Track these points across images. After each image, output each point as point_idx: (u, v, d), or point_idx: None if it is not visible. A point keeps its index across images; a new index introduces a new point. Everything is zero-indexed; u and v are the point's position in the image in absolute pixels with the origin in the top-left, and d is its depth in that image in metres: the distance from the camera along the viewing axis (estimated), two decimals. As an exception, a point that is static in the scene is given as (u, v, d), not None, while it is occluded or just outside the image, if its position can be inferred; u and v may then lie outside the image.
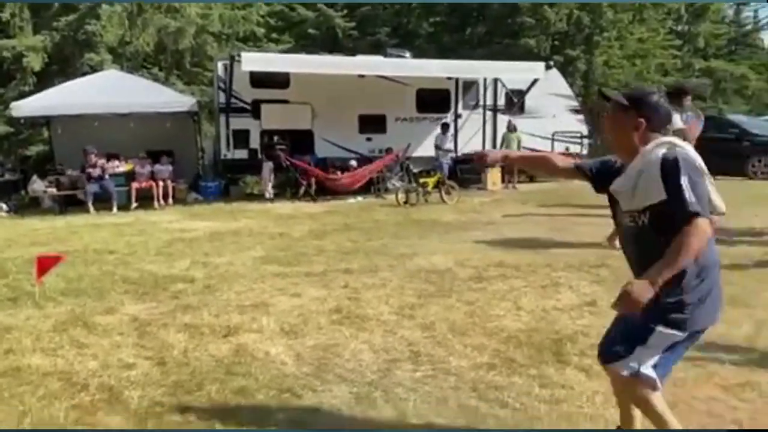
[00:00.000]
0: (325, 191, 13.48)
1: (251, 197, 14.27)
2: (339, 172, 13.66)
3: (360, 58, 14.72)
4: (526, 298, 5.07)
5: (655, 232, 2.31)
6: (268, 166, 13.58)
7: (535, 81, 14.57)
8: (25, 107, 13.36)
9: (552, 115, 15.99)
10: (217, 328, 4.51)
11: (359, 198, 13.39)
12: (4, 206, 12.88)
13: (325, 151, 14.57)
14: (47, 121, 14.63)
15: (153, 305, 5.17)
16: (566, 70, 18.75)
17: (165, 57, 18.82)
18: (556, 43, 22.55)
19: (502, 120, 15.46)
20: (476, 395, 3.32)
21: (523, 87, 15.13)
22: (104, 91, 13.41)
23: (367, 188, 13.83)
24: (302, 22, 23.26)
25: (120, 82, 14.23)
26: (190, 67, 19.00)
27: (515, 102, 15.52)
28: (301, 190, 13.48)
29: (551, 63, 15.34)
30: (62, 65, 17.02)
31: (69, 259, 6.63)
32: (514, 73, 14.81)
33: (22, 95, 15.07)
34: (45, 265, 5.39)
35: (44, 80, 16.40)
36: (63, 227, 10.30)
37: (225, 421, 3.05)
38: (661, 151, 2.32)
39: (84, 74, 15.40)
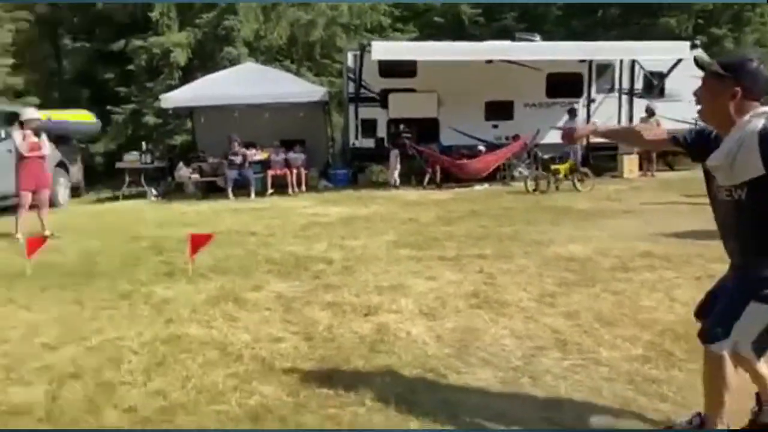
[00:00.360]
0: (449, 179, 13.43)
1: (377, 185, 14.50)
2: (466, 159, 13.56)
3: (488, 44, 14.45)
4: (679, 290, 4.73)
5: (753, 206, 2.29)
6: (394, 154, 13.74)
7: (678, 62, 13.61)
8: (172, 99, 14.38)
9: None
10: (358, 307, 4.59)
11: (485, 185, 13.22)
12: (154, 191, 13.94)
13: (450, 139, 14.50)
14: (191, 111, 15.67)
15: (296, 284, 5.37)
16: (711, 50, 17.30)
17: (296, 49, 19.49)
18: (700, 21, 20.91)
19: (639, 104, 14.60)
20: (633, 387, 3.13)
21: (664, 69, 14.19)
22: (242, 83, 14.12)
23: (492, 176, 13.62)
24: (427, 10, 23.20)
25: (256, 74, 14.92)
26: (319, 58, 19.55)
27: (655, 85, 14.60)
28: (426, 178, 13.50)
29: (697, 42, 14.25)
30: (204, 59, 18.11)
31: (215, 239, 7.03)
32: (654, 53, 13.89)
33: (169, 88, 16.19)
34: (197, 243, 5.74)
35: (188, 74, 17.53)
36: (206, 211, 10.98)
37: (374, 396, 3.08)
38: (761, 122, 2.20)
39: (224, 68, 16.29)
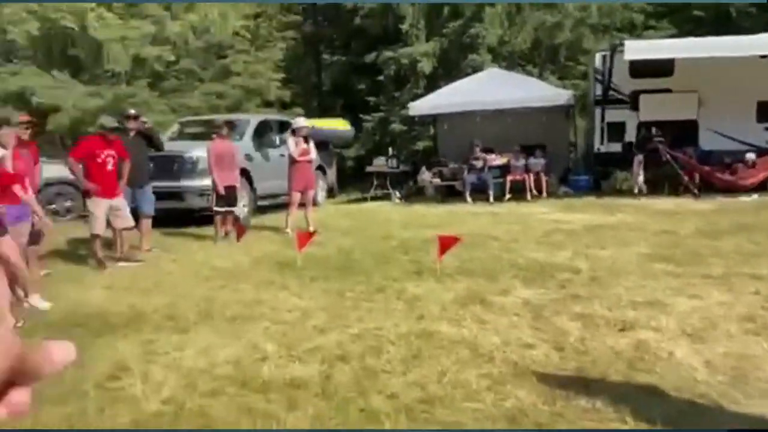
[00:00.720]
0: (710, 188, 12.15)
1: (622, 192, 13.66)
2: (727, 171, 12.16)
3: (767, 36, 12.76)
4: None
5: None
6: (638, 160, 12.86)
7: None
8: (418, 107, 15.11)
9: None
10: (612, 321, 4.37)
11: (754, 196, 11.72)
12: (397, 193, 14.77)
13: (711, 143, 13.11)
14: (434, 118, 16.31)
15: (542, 291, 5.28)
16: None
17: (539, 53, 19.21)
18: None
19: None
20: None
21: None
22: (485, 89, 14.29)
23: (761, 185, 12.03)
24: (687, 5, 21.23)
25: (499, 80, 14.99)
26: (564, 61, 19.03)
27: None
28: (683, 185, 12.37)
29: None
30: (448, 68, 18.72)
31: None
32: None
33: (415, 97, 17.04)
34: (445, 244, 5.95)
35: (432, 82, 18.27)
36: (446, 214, 11.32)
37: (636, 415, 2.90)
38: None
39: (466, 75, 16.67)
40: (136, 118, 8.25)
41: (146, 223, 8.13)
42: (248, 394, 3.41)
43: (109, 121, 7.37)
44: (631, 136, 13.64)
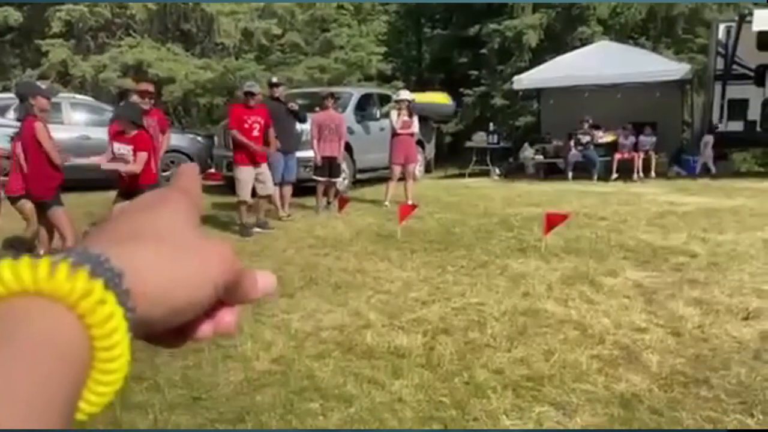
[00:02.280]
0: None
1: (740, 175, 12.75)
2: None
3: None
4: None
5: None
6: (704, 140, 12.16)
7: None
8: (523, 81, 14.64)
9: None
10: (734, 308, 4.10)
11: None
12: (497, 170, 14.49)
13: None
14: (538, 93, 15.79)
15: (655, 274, 5.03)
16: None
17: (654, 25, 18.10)
18: None
19: None
20: None
21: None
22: (595, 62, 13.64)
23: None
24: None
25: (610, 53, 14.23)
26: (681, 33, 17.82)
27: None
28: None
29: None
30: (553, 41, 18.01)
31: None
32: None
33: (519, 71, 16.50)
34: (552, 221, 5.77)
35: (538, 56, 17.63)
36: (549, 192, 10.98)
37: (765, 408, 2.71)
38: None
39: (573, 48, 15.98)
40: (278, 85, 8.56)
41: (288, 189, 8.40)
42: (353, 359, 3.48)
43: (247, 85, 7.57)
44: (755, 113, 12.64)
